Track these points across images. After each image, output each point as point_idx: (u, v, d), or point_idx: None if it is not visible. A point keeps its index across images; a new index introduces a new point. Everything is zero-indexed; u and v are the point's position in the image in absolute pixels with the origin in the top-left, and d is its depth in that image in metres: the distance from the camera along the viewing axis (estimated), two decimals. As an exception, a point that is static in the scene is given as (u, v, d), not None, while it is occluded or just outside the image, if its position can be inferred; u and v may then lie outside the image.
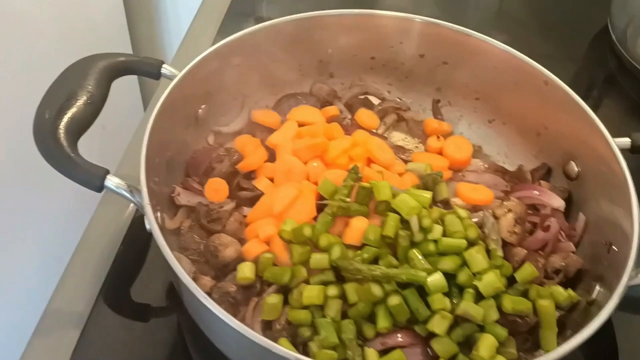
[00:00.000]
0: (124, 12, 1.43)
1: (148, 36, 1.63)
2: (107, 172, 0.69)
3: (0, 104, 1.04)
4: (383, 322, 0.67)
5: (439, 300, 0.67)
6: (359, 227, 0.72)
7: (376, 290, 0.67)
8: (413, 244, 0.71)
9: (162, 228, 0.71)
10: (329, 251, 0.70)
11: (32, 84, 1.04)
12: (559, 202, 0.81)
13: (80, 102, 0.73)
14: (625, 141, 0.79)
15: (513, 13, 1.27)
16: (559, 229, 0.77)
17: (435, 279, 0.67)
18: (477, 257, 0.69)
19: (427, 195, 0.74)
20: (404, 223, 0.71)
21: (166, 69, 0.80)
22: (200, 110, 0.86)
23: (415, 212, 0.71)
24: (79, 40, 1.22)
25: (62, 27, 1.18)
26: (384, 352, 0.67)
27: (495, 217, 0.75)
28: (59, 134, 0.69)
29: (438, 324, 0.66)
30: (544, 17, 1.26)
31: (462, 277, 0.69)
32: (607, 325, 0.65)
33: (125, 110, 1.25)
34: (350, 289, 0.68)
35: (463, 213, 0.74)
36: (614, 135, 0.77)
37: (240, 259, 0.75)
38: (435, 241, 0.71)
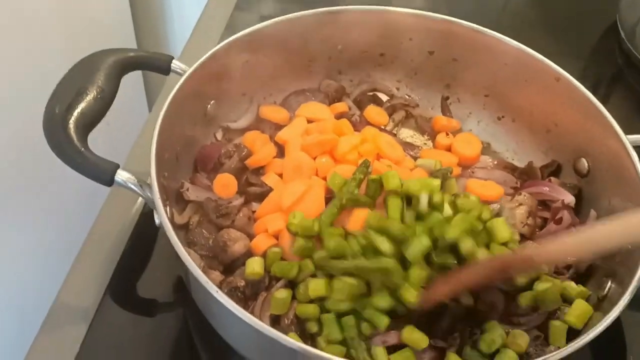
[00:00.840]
0: (129, 7, 1.43)
1: (153, 32, 1.63)
2: (117, 166, 0.69)
3: (7, 99, 1.04)
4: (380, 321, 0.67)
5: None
6: (361, 216, 0.72)
7: (349, 282, 0.66)
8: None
9: (172, 222, 0.71)
10: (324, 243, 0.70)
11: (38, 79, 1.04)
12: (569, 198, 0.80)
13: (90, 97, 0.72)
14: (637, 138, 0.78)
15: (520, 9, 1.27)
16: (571, 223, 0.77)
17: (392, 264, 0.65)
18: (501, 226, 0.69)
19: (436, 182, 0.73)
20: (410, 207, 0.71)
21: (176, 64, 0.80)
22: (209, 106, 0.86)
23: (427, 190, 0.70)
24: (83, 36, 1.22)
25: (67, 22, 1.18)
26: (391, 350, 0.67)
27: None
28: (69, 128, 0.69)
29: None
30: (552, 13, 1.25)
31: (466, 245, 0.67)
32: (616, 322, 0.64)
33: (128, 106, 1.24)
34: (338, 284, 0.67)
35: (474, 197, 0.74)
36: (623, 131, 0.77)
37: (249, 253, 0.74)
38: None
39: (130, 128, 1.05)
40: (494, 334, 0.68)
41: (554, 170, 0.86)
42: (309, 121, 0.87)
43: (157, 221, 0.71)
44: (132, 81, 1.47)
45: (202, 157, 0.84)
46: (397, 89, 0.97)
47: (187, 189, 0.80)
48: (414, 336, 0.66)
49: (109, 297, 0.79)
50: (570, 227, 0.77)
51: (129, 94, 1.43)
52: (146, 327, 0.78)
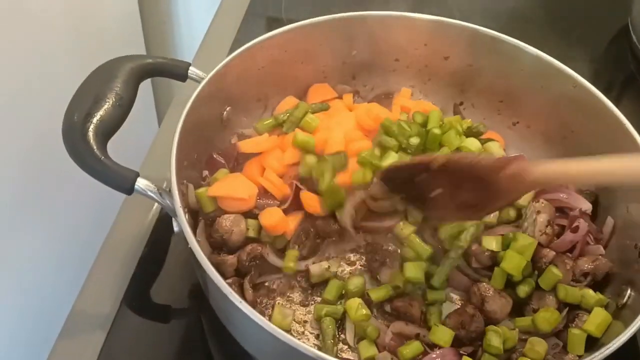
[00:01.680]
0: (139, 14, 1.43)
1: (161, 38, 1.63)
2: (137, 174, 0.68)
3: (21, 107, 1.03)
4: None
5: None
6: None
7: None
8: None
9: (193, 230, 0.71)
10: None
11: (49, 87, 1.05)
12: (586, 205, 0.80)
13: (108, 104, 0.72)
14: (654, 145, 0.78)
15: (530, 13, 1.27)
16: (588, 231, 0.77)
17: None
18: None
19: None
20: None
21: (193, 71, 0.80)
22: (224, 112, 0.86)
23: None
24: (94, 43, 1.21)
25: (77, 30, 1.17)
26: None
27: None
28: (88, 136, 0.69)
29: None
30: (562, 17, 1.25)
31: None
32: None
33: (137, 112, 1.25)
34: None
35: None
36: (637, 137, 0.77)
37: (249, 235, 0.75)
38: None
39: (139, 134, 1.05)
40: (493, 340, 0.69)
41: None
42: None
43: (175, 228, 0.72)
44: (141, 87, 1.47)
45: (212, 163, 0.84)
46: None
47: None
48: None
49: (126, 303, 0.79)
50: (587, 235, 0.77)
51: (138, 100, 1.43)
52: (163, 333, 0.79)
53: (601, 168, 0.62)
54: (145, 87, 1.53)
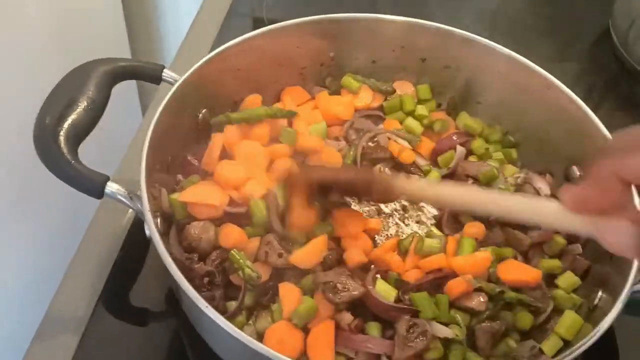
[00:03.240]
0: (123, 15, 1.42)
1: (147, 39, 1.62)
2: (107, 178, 0.68)
3: (1, 109, 1.03)
4: None
5: None
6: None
7: None
8: None
9: (162, 234, 0.70)
10: None
11: (30, 88, 1.04)
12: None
13: (80, 107, 0.72)
14: (628, 146, 0.78)
15: (514, 14, 1.27)
16: None
17: None
18: None
19: None
20: None
21: (167, 73, 0.80)
22: (200, 115, 0.85)
23: None
24: (77, 44, 1.21)
25: (61, 32, 1.17)
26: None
27: None
28: (59, 140, 0.69)
29: None
30: (546, 19, 1.25)
31: None
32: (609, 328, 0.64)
33: (122, 112, 1.24)
34: None
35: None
36: (615, 139, 0.77)
37: (218, 243, 0.74)
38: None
39: (124, 134, 1.05)
40: None
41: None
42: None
43: (147, 233, 0.71)
44: (126, 86, 1.46)
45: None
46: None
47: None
48: None
49: (102, 306, 0.79)
50: None
51: (123, 99, 1.42)
52: (139, 337, 0.78)
53: (454, 196, 0.65)
54: (131, 89, 1.53)
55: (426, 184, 0.74)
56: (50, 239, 1.19)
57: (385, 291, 0.70)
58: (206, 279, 0.72)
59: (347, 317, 0.68)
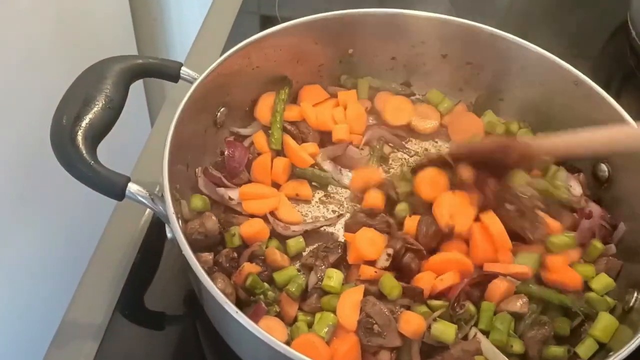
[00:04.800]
0: (130, 14, 1.40)
1: (153, 38, 1.60)
2: (128, 179, 0.66)
3: (10, 110, 1.01)
4: None
5: None
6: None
7: None
8: None
9: (187, 237, 0.68)
10: None
11: (40, 88, 1.02)
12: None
13: (98, 106, 0.70)
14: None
15: (526, 9, 1.25)
16: (601, 215, 0.77)
17: None
18: None
19: None
20: None
21: (185, 71, 0.78)
22: (218, 113, 0.84)
23: None
24: (84, 44, 1.19)
25: (67, 30, 1.15)
26: None
27: None
28: (77, 141, 0.66)
29: None
30: (559, 12, 1.23)
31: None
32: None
33: (129, 113, 1.22)
34: None
35: None
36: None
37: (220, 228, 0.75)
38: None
39: (131, 136, 1.03)
40: None
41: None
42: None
43: (169, 235, 0.70)
44: (132, 88, 1.44)
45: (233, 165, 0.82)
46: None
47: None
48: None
49: (119, 311, 0.77)
50: (602, 219, 0.77)
51: (129, 101, 1.40)
52: (157, 341, 0.77)
53: (596, 138, 0.71)
54: (137, 88, 1.51)
55: (557, 138, 0.74)
56: (67, 243, 1.17)
57: (443, 332, 0.66)
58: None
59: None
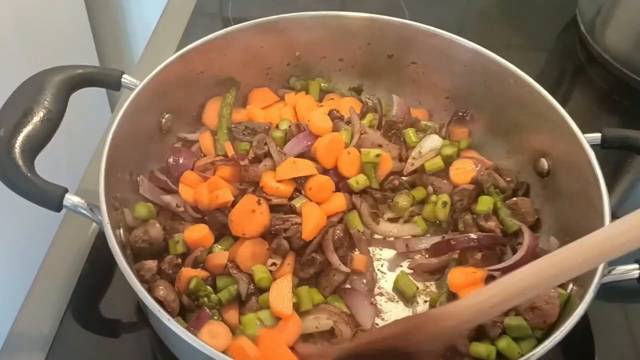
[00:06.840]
0: (87, 18, 1.39)
1: (113, 42, 1.59)
2: (65, 190, 0.66)
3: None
4: None
5: None
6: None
7: None
8: None
9: (124, 247, 0.69)
10: None
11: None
12: None
13: (36, 118, 0.70)
14: (596, 136, 0.78)
15: (483, 5, 1.26)
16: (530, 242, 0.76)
17: None
18: None
19: None
20: None
21: (126, 79, 0.78)
22: (163, 120, 0.84)
23: None
24: (43, 52, 1.18)
25: (25, 40, 1.14)
26: None
27: None
28: (14, 153, 0.67)
29: None
30: (512, 8, 1.25)
31: None
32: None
33: (92, 117, 1.20)
34: None
35: None
36: (584, 129, 0.76)
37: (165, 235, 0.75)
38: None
39: (94, 141, 1.02)
40: None
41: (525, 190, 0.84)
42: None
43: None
44: (95, 95, 1.43)
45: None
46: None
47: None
48: None
49: (70, 321, 0.77)
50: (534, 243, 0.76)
51: (92, 104, 1.39)
52: (110, 349, 0.76)
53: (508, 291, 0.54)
54: (101, 94, 1.49)
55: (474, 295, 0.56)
56: (13, 254, 1.16)
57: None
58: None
59: None
